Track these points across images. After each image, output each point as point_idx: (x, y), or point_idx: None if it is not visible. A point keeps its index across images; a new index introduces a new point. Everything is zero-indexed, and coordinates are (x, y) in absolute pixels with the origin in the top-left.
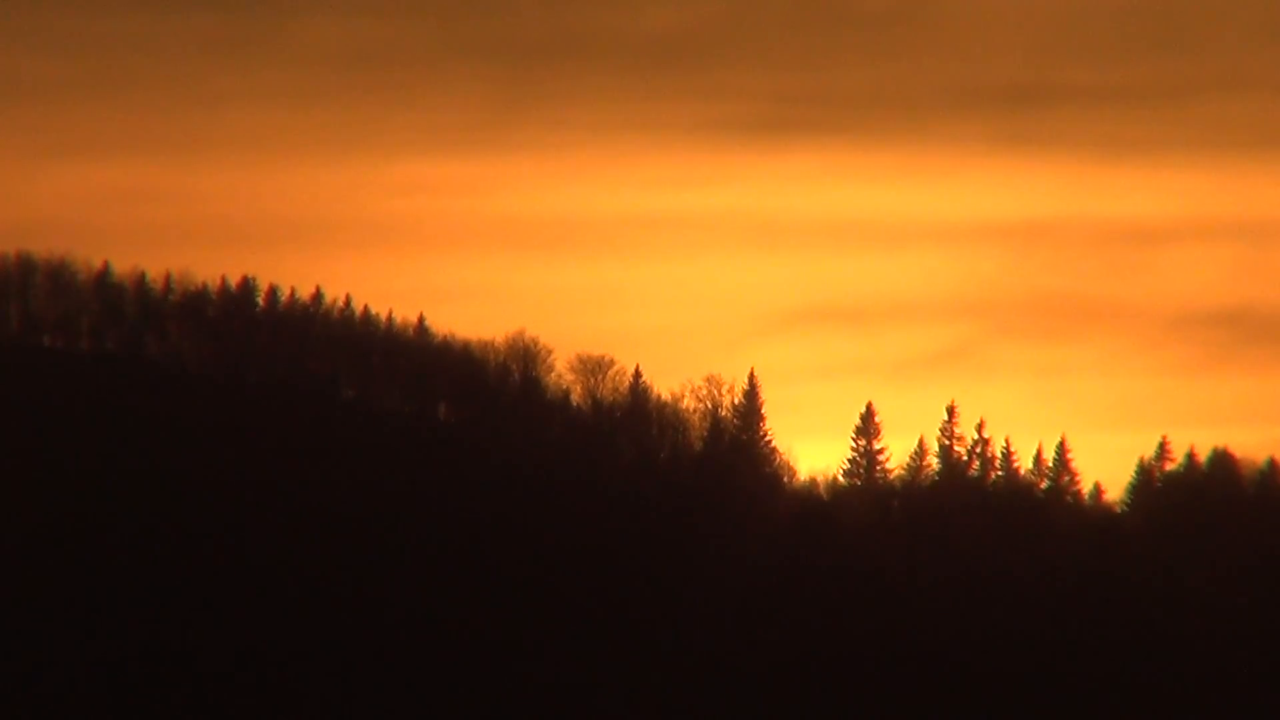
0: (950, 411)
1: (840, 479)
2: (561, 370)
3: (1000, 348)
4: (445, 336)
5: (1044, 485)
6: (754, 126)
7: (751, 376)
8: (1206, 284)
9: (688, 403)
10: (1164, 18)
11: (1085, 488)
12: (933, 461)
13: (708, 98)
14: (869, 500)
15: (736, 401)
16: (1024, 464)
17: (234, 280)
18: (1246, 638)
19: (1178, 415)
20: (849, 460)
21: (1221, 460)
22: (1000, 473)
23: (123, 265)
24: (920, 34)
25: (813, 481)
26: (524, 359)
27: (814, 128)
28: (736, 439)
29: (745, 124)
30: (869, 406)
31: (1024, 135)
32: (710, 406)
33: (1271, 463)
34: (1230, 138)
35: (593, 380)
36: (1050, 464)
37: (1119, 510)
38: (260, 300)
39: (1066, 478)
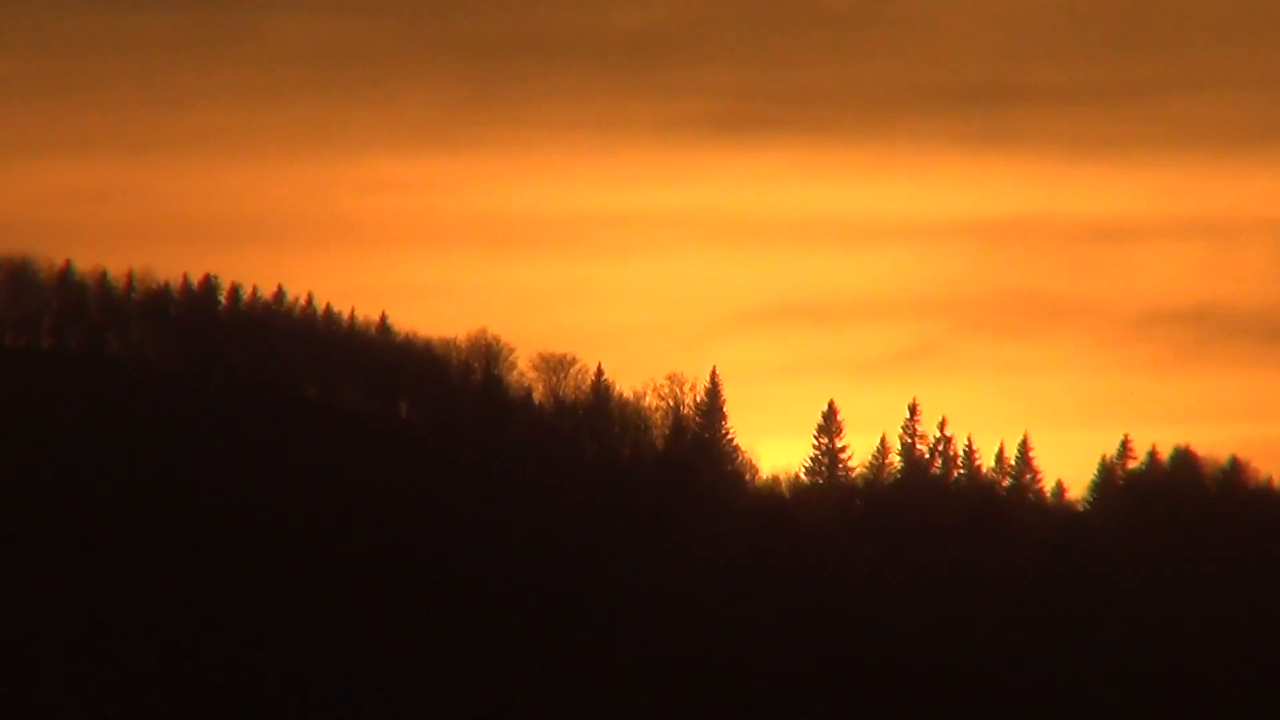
0: (913, 409)
1: (802, 477)
2: (523, 368)
3: (965, 345)
4: (407, 335)
5: (1006, 483)
6: (720, 125)
7: (714, 375)
8: (1173, 282)
9: (650, 401)
10: (1131, 16)
11: (1047, 486)
12: (895, 459)
13: (674, 96)
14: (831, 498)
15: (699, 400)
16: (986, 462)
17: (196, 279)
18: (1209, 635)
19: (1141, 414)
20: (811, 458)
21: (1184, 459)
22: (962, 471)
23: (85, 264)
24: (887, 32)
25: (775, 480)
26: (486, 357)
27: (780, 126)
28: (698, 437)
29: (711, 122)
30: (831, 404)
31: (990, 133)
32: (672, 405)
33: (1234, 461)
34: (1197, 136)
35: (555, 378)
36: (1013, 462)
37: (1081, 508)
38: (222, 299)
39: (1029, 476)
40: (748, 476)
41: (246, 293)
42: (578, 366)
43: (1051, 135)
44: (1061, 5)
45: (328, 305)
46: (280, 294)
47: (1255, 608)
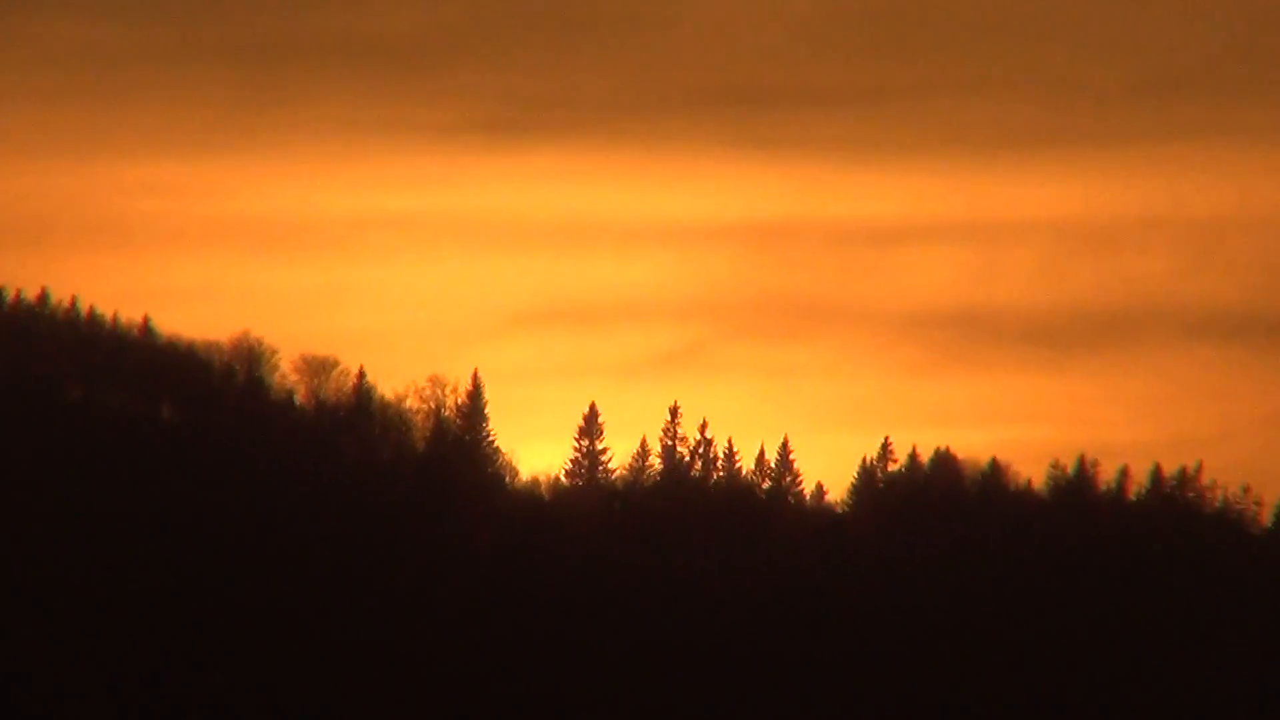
0: (673, 412)
1: (563, 479)
2: (286, 371)
3: (729, 348)
4: (171, 337)
5: (766, 485)
6: (489, 128)
7: (475, 377)
8: (937, 285)
9: (411, 403)
10: (898, 20)
11: (808, 488)
12: (655, 462)
13: (444, 100)
14: (591, 500)
15: (460, 402)
16: (747, 464)
17: None
18: (970, 635)
19: (904, 416)
20: (571, 460)
21: (944, 461)
22: (722, 473)
23: None
24: (658, 36)
25: (535, 481)
26: (249, 359)
27: (550, 129)
28: (459, 439)
29: (481, 126)
30: (592, 406)
31: (759, 137)
32: (434, 407)
33: (994, 463)
34: (962, 139)
35: (317, 381)
36: (773, 464)
37: (841, 510)
38: None
39: (789, 478)
40: (508, 478)
41: (10, 295)
42: (340, 369)
43: (818, 139)
44: (829, 9)
45: (91, 307)
46: (44, 296)
47: (1016, 608)
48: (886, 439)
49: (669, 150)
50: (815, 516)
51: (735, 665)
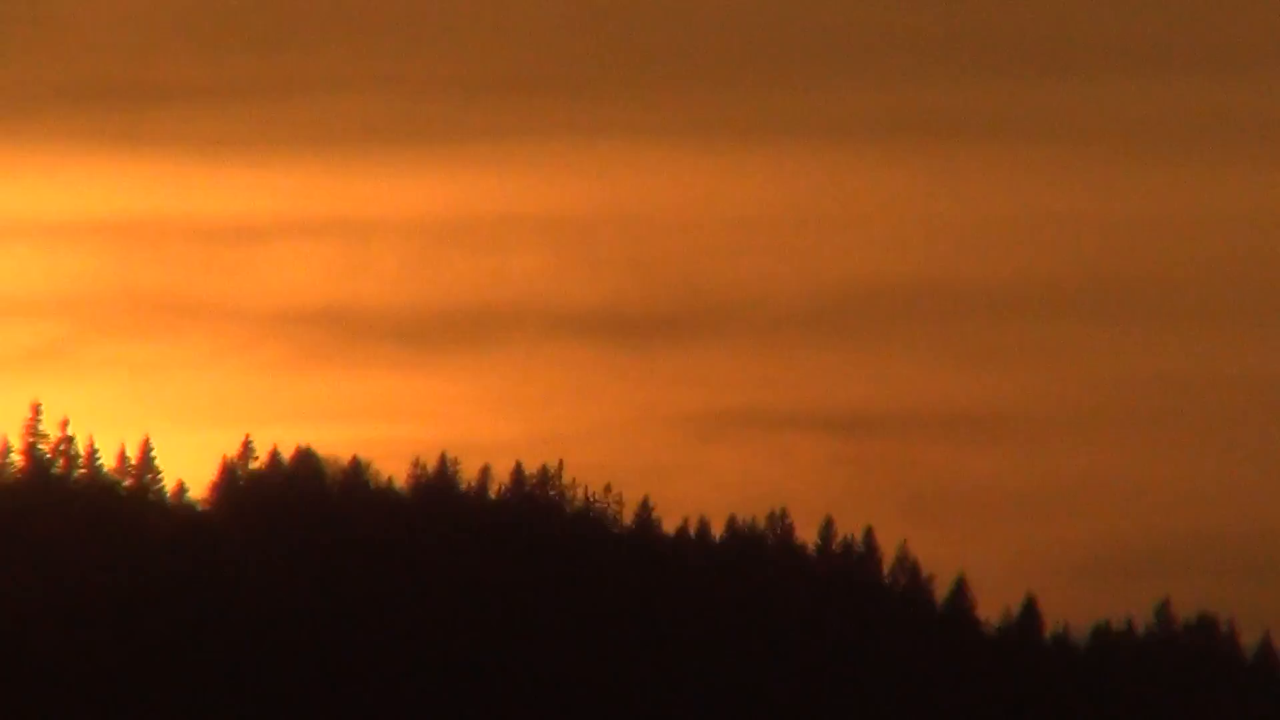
0: (35, 409)
1: None
2: None
3: (92, 345)
4: None
5: (128, 483)
6: None
7: None
8: (302, 283)
9: None
10: (259, 17)
11: (169, 486)
12: (16, 460)
13: None
14: None
15: None
16: (109, 462)
17: None
18: (332, 629)
19: (267, 413)
20: None
21: (305, 458)
22: (84, 471)
23: None
24: (20, 31)
25: None
26: None
27: None
28: None
29: None
30: None
31: (124, 132)
32: None
33: (355, 461)
34: (327, 135)
35: None
36: (134, 462)
37: (202, 508)
38: None
39: (150, 476)
40: None
41: None
42: None
43: (185, 134)
44: (193, 6)
45: None
46: None
47: (377, 606)
48: (247, 436)
49: (31, 145)
50: (176, 514)
51: (94, 663)
